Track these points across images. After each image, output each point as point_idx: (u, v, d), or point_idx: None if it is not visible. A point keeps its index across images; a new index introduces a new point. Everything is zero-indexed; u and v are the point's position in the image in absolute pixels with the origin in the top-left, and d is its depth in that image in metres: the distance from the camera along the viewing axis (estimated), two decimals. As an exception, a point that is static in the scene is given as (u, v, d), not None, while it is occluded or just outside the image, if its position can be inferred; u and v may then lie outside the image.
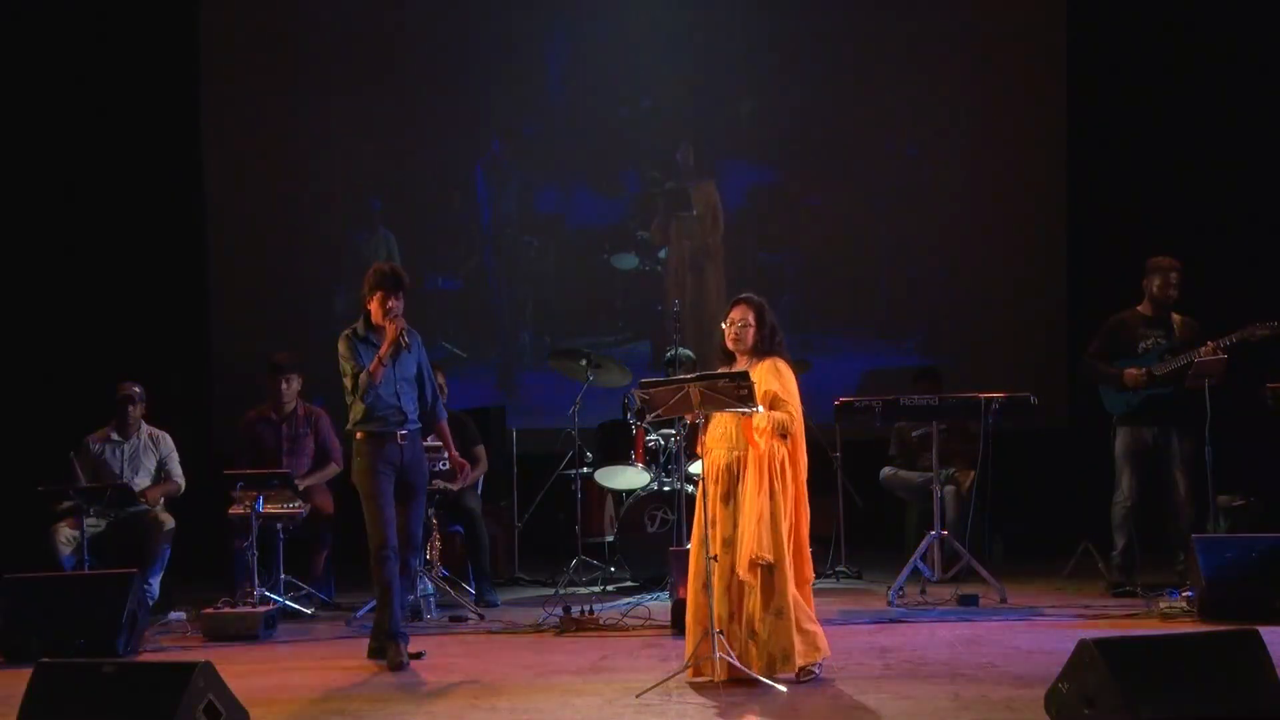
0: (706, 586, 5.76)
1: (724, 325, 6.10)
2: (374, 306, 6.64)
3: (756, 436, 5.81)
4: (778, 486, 5.82)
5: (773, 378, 5.91)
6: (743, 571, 5.75)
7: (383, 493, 6.57)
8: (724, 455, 5.91)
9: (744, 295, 6.12)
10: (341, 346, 6.69)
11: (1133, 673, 4.67)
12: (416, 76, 10.62)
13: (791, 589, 5.79)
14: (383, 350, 6.55)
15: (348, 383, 6.65)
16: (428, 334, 10.50)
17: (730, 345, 6.05)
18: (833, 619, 7.14)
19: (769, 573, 5.76)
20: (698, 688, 5.73)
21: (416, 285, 10.56)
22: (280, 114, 10.61)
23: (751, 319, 6.00)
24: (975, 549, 8.08)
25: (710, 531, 5.80)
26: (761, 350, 5.99)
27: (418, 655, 6.54)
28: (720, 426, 5.94)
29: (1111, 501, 8.02)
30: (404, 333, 6.61)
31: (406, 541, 6.72)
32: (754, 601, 5.76)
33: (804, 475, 5.98)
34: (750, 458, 5.83)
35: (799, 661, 5.78)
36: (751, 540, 5.73)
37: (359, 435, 6.64)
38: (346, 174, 10.70)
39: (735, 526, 5.82)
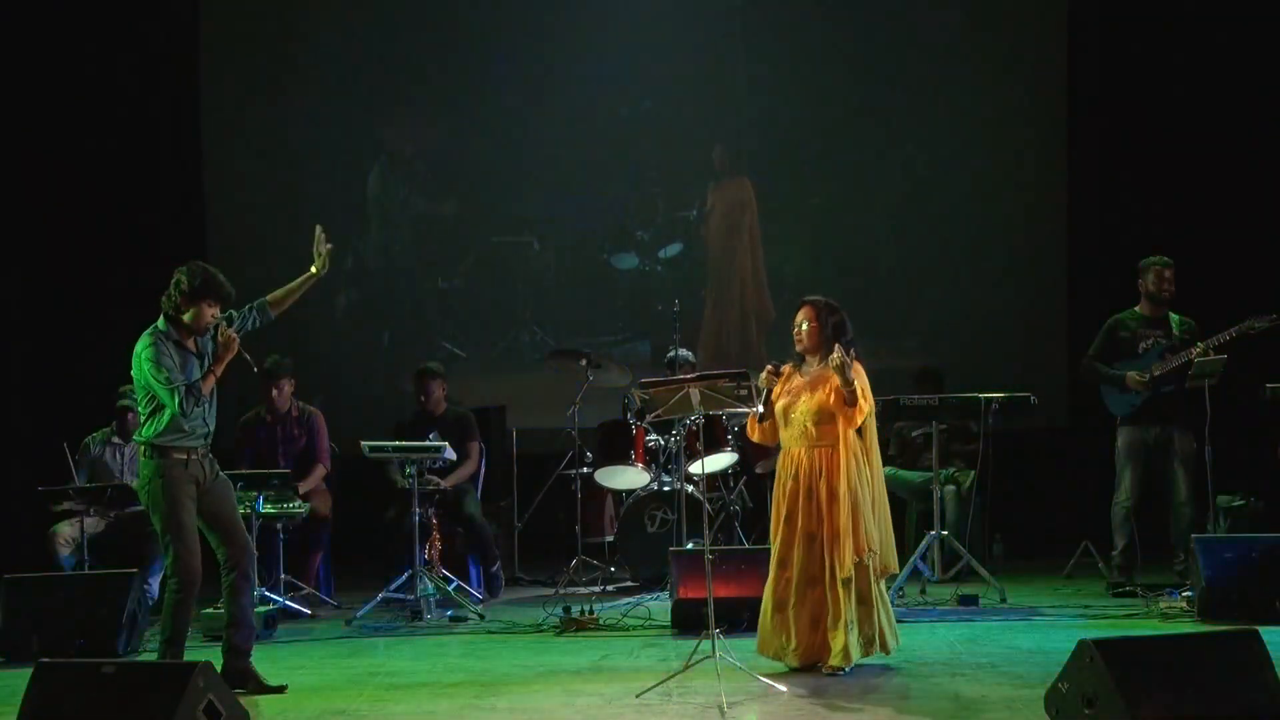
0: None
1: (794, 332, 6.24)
2: (199, 310, 5.92)
3: (856, 414, 5.93)
4: (867, 477, 5.97)
5: (860, 373, 6.00)
6: (845, 569, 5.83)
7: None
8: (805, 453, 5.96)
9: (808, 297, 6.27)
10: (153, 349, 5.89)
11: (1133, 673, 4.67)
12: (416, 76, 10.60)
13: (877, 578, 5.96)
14: (218, 365, 6.00)
15: (161, 386, 5.88)
16: (428, 334, 10.60)
17: (798, 347, 6.17)
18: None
19: (867, 564, 5.89)
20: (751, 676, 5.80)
21: (416, 285, 10.66)
22: (279, 112, 10.58)
23: (812, 317, 6.13)
24: (975, 549, 8.08)
25: (789, 529, 5.93)
26: (830, 349, 6.00)
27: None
28: (799, 425, 5.98)
29: (1111, 501, 8.01)
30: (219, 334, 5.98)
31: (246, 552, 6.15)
32: (845, 593, 5.84)
33: (880, 470, 6.13)
34: (837, 454, 5.92)
35: (880, 646, 5.95)
36: (859, 537, 5.85)
37: (171, 453, 5.95)
38: (346, 173, 10.69)
39: (820, 522, 5.89)
